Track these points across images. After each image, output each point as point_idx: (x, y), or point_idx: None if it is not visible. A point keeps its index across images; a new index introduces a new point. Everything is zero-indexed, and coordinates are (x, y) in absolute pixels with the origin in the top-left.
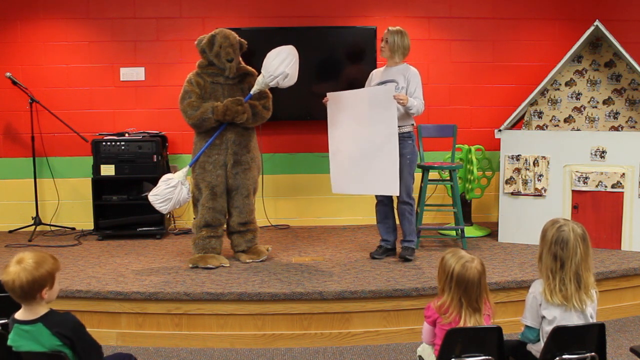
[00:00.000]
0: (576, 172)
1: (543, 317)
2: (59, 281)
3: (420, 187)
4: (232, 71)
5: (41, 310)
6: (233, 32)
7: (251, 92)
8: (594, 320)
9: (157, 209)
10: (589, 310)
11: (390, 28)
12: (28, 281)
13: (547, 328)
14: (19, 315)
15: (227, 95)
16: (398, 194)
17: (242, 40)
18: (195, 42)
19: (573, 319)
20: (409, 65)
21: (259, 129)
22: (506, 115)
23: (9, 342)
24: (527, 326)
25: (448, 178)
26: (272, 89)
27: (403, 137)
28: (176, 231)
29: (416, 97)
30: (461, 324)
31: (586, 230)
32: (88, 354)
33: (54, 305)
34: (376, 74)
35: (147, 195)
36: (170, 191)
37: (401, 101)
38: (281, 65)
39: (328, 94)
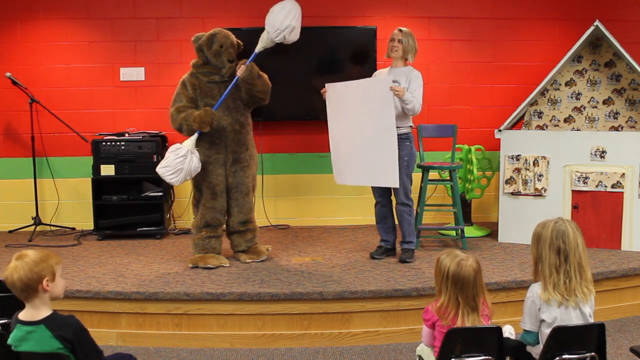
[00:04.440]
0: (576, 172)
1: (542, 321)
2: (61, 276)
3: (420, 187)
4: (231, 71)
5: (44, 311)
6: (231, 32)
7: (256, 51)
8: (593, 320)
9: (167, 181)
10: (587, 309)
11: (403, 29)
12: (26, 272)
13: (547, 331)
14: (22, 315)
15: (222, 93)
16: (398, 186)
17: (239, 40)
18: (192, 39)
19: (572, 319)
20: (413, 68)
21: (258, 129)
22: (506, 115)
23: (9, 341)
24: (525, 330)
25: (448, 178)
26: (273, 84)
27: (400, 139)
28: (176, 231)
29: (414, 95)
30: (459, 324)
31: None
32: (88, 358)
33: (55, 304)
34: (380, 75)
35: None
36: (180, 161)
37: (397, 93)
38: (287, 18)
39: (327, 85)
